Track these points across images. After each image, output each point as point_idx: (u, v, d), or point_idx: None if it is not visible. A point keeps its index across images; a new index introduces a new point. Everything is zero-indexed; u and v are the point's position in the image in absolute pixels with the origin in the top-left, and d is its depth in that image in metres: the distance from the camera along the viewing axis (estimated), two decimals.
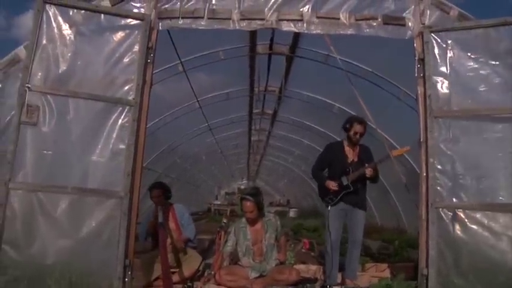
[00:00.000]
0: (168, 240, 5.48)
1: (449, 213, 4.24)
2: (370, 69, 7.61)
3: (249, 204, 4.91)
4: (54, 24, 4.31)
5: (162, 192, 5.76)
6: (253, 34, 6.85)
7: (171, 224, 5.70)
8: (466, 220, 4.20)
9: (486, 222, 4.15)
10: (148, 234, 5.78)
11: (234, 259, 5.22)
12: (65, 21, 4.34)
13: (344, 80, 5.69)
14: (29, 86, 4.14)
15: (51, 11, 4.31)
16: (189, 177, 18.23)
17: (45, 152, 4.17)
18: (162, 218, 5.37)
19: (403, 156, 8.08)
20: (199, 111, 10.57)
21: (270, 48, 7.66)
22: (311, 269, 5.99)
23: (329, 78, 8.25)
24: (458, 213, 4.23)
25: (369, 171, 5.08)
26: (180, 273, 5.42)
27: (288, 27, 4.74)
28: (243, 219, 5.09)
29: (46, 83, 4.23)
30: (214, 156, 18.69)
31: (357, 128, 5.18)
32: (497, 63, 4.39)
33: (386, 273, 5.83)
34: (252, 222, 4.99)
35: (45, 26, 4.28)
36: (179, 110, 10.27)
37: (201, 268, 5.26)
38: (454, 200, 4.27)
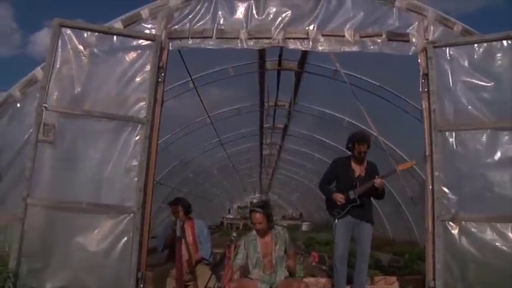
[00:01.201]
0: (185, 254, 5.58)
1: (455, 226, 4.28)
2: (378, 84, 7.68)
3: (258, 216, 4.98)
4: (69, 46, 4.51)
5: (180, 208, 5.84)
6: (262, 51, 6.91)
7: (189, 239, 5.76)
8: (472, 233, 4.24)
9: (492, 234, 4.19)
10: (166, 246, 5.89)
11: (245, 272, 5.28)
12: (80, 43, 4.55)
13: (352, 95, 5.76)
14: (46, 105, 4.32)
15: (67, 33, 4.52)
16: (202, 192, 18.30)
17: (61, 168, 4.33)
18: (180, 232, 5.47)
19: (414, 170, 8.13)
20: (210, 127, 10.72)
21: (279, 64, 7.73)
22: (320, 282, 6.04)
23: (338, 92, 8.31)
24: (464, 225, 4.26)
25: (378, 182, 5.00)
26: (194, 287, 5.51)
27: (294, 45, 4.87)
28: (253, 232, 5.16)
29: (62, 103, 4.41)
30: (226, 171, 18.78)
31: (359, 147, 5.13)
32: (501, 76, 4.45)
33: (395, 286, 5.87)
34: (261, 234, 5.06)
35: (60, 47, 4.48)
36: (191, 125, 10.44)
37: (210, 285, 5.34)
38: (459, 212, 4.31)
